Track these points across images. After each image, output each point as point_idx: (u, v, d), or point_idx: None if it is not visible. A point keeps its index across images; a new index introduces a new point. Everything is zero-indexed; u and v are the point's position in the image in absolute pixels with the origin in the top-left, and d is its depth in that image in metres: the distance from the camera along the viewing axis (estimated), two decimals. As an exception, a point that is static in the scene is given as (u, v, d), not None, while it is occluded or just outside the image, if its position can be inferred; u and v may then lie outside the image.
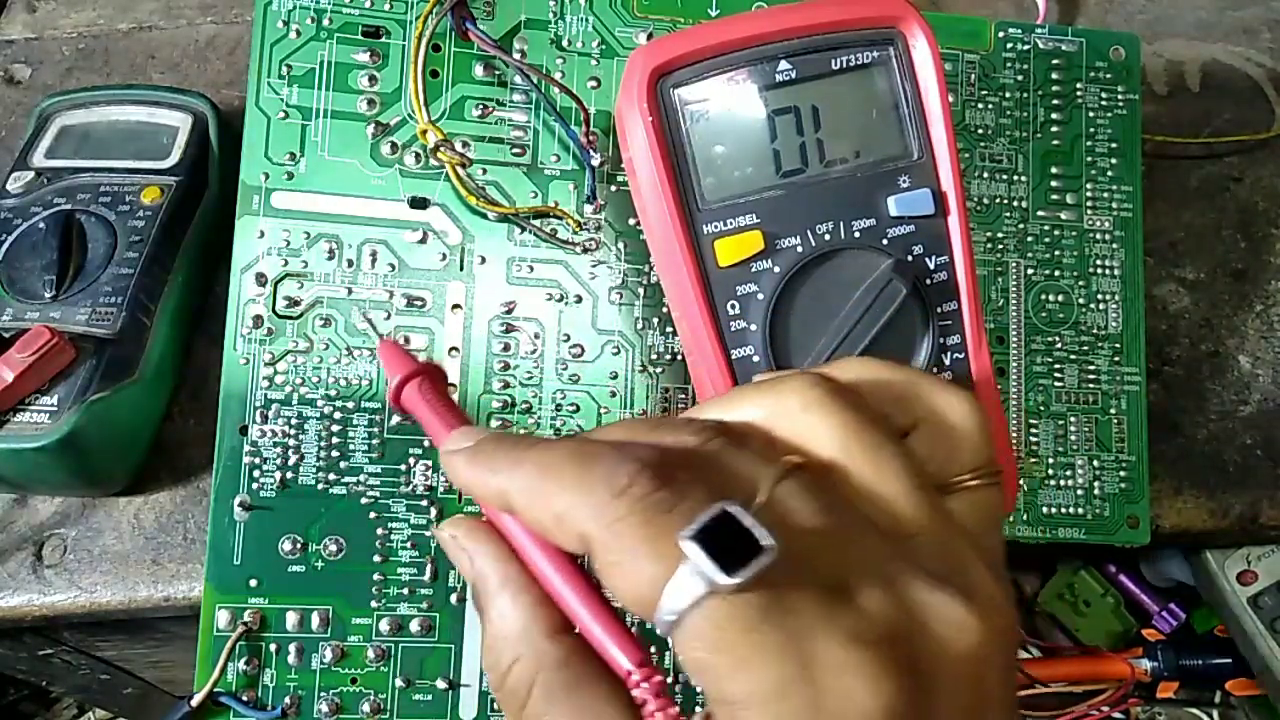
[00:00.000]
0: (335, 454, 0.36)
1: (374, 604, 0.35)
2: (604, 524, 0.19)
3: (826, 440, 0.21)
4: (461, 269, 0.38)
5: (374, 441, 0.36)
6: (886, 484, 0.21)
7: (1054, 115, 0.43)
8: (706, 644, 0.18)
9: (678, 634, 0.18)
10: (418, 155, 0.37)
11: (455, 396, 0.37)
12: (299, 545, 0.35)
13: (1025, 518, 0.41)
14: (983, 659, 0.19)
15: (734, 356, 0.31)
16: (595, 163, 0.38)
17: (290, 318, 0.36)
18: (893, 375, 0.24)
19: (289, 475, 0.35)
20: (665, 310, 0.38)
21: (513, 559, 0.22)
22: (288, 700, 0.35)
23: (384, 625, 0.35)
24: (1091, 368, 0.42)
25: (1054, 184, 0.42)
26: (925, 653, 0.18)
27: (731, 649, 0.17)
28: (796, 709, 0.17)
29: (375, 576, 0.36)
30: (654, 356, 0.38)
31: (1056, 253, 0.42)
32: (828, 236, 0.31)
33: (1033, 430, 0.41)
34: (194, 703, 0.34)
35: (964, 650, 0.18)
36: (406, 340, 0.37)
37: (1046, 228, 0.42)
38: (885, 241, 0.31)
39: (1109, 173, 0.43)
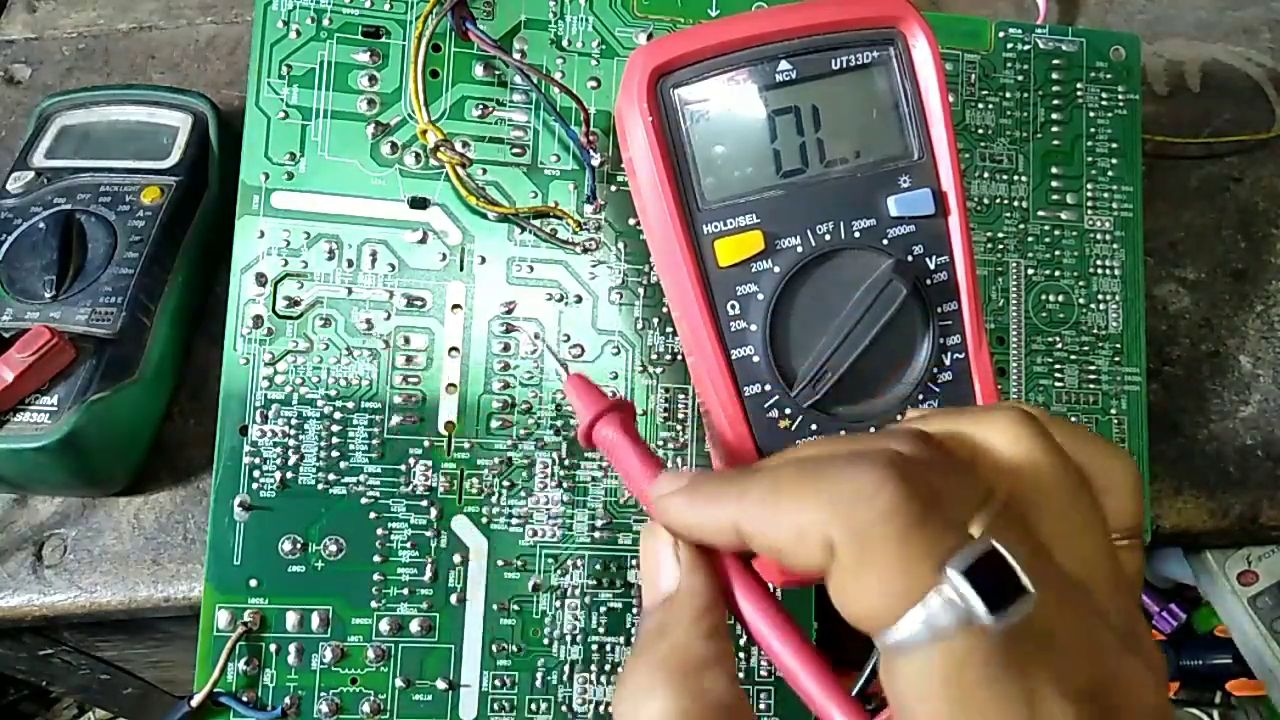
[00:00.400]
0: (335, 454, 0.36)
1: (374, 604, 0.35)
2: (853, 530, 0.18)
3: (1033, 482, 0.20)
4: (461, 269, 0.38)
5: (374, 441, 0.36)
6: (1082, 535, 0.20)
7: (1054, 115, 0.43)
8: (941, 678, 0.17)
9: (903, 661, 0.18)
10: (418, 155, 0.37)
11: (455, 396, 0.37)
12: (299, 545, 0.35)
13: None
14: (1161, 717, 0.19)
15: (734, 356, 0.31)
16: (595, 163, 0.38)
17: (290, 318, 0.36)
18: (1067, 427, 0.23)
19: (289, 475, 0.35)
20: (665, 310, 0.38)
21: (723, 594, 0.22)
22: (288, 700, 0.35)
23: (384, 625, 0.35)
24: (1092, 368, 0.42)
25: (1054, 184, 0.42)
26: (1117, 705, 0.18)
27: (966, 688, 0.17)
28: None
29: (375, 576, 0.36)
30: (654, 356, 0.38)
31: (1057, 253, 0.42)
32: (828, 236, 0.31)
33: (1033, 430, 0.41)
34: (194, 703, 0.34)
35: (1144, 706, 0.19)
36: (407, 340, 0.37)
37: (1047, 228, 0.42)
38: (885, 241, 0.31)
39: (1109, 173, 0.43)
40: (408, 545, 0.36)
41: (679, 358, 0.38)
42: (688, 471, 0.23)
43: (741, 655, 0.38)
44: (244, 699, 0.34)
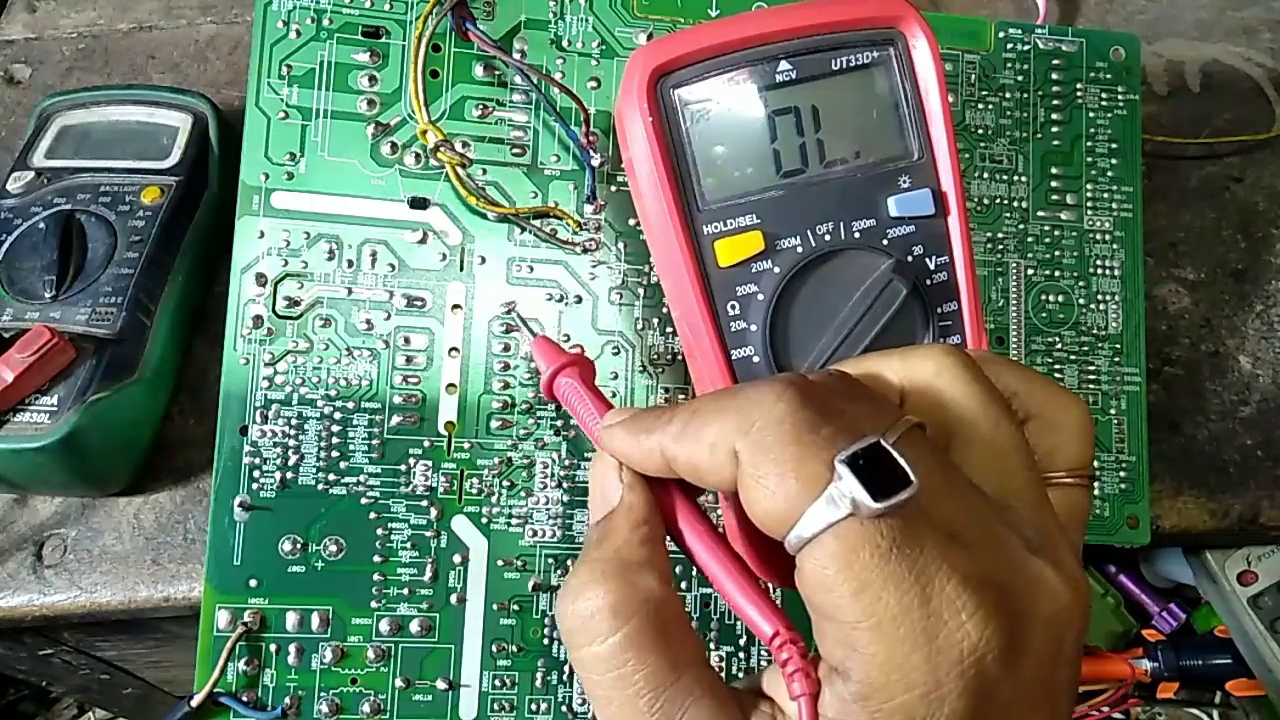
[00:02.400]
0: (335, 454, 0.36)
1: (374, 604, 0.35)
2: (753, 439, 0.20)
3: (954, 404, 0.22)
4: (461, 269, 0.38)
5: (374, 441, 0.36)
6: (999, 456, 0.22)
7: (1054, 115, 0.43)
8: (837, 564, 0.19)
9: (809, 552, 0.19)
10: (418, 155, 0.37)
11: (455, 396, 0.37)
12: (299, 545, 0.35)
13: (1025, 518, 0.40)
14: (1064, 622, 0.20)
15: (734, 357, 0.31)
16: (595, 163, 0.38)
17: (290, 318, 0.36)
18: (1014, 369, 0.25)
19: (289, 475, 0.35)
20: (665, 310, 0.38)
21: (660, 510, 0.24)
22: (288, 700, 0.35)
23: (384, 625, 0.35)
24: (1092, 368, 0.42)
25: (1054, 184, 0.42)
26: (1020, 606, 0.20)
27: (861, 572, 0.19)
28: (910, 635, 0.18)
29: (375, 576, 0.36)
30: (654, 356, 0.38)
31: (1056, 253, 0.42)
32: (828, 237, 0.31)
33: (1033, 430, 0.41)
34: (194, 703, 0.34)
35: (1051, 611, 0.20)
36: (407, 340, 0.37)
37: (1046, 228, 0.42)
38: (885, 242, 0.31)
39: (1109, 173, 0.43)
40: (408, 545, 0.36)
41: (679, 358, 0.38)
42: (632, 408, 0.26)
43: (744, 655, 0.38)
44: (244, 699, 0.34)
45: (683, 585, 0.38)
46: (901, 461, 0.19)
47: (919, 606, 0.18)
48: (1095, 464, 0.41)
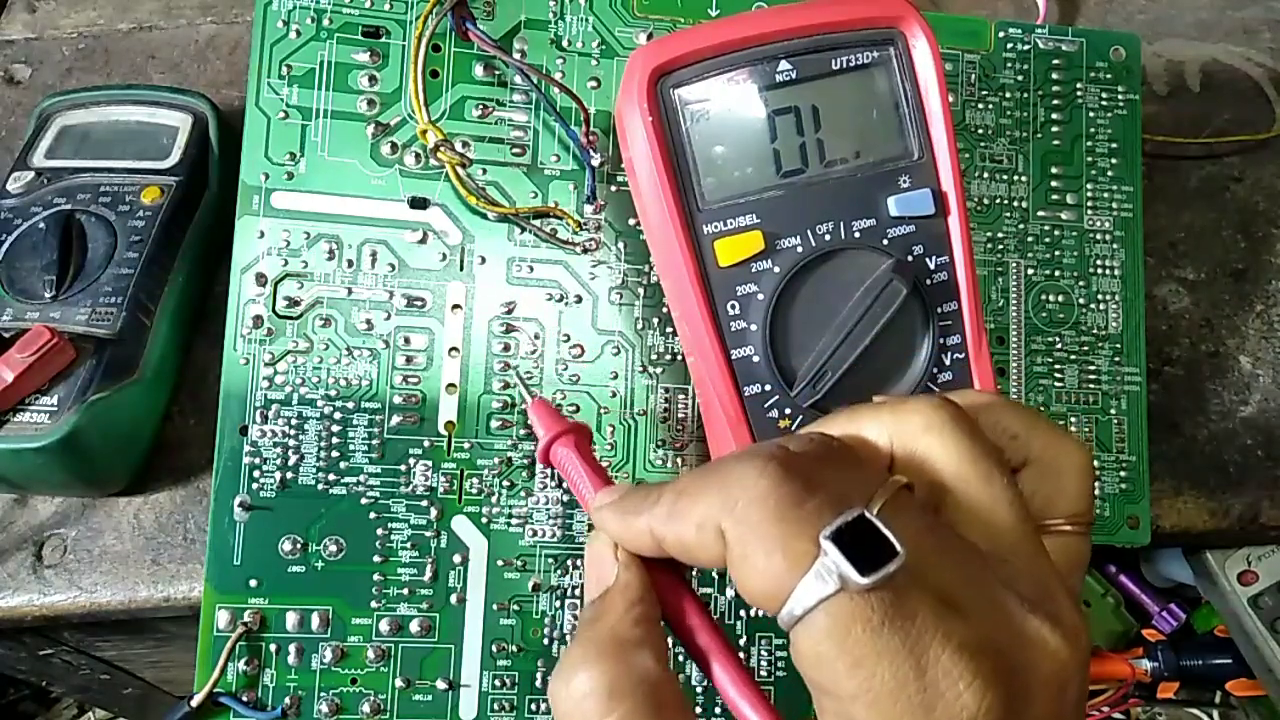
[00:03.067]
0: (335, 454, 0.36)
1: (374, 604, 0.35)
2: (738, 518, 0.20)
3: (943, 462, 0.22)
4: (461, 269, 0.38)
5: (374, 441, 0.36)
6: (992, 511, 0.22)
7: (1054, 115, 0.43)
8: (830, 640, 0.19)
9: (801, 629, 0.19)
10: (418, 155, 0.37)
11: (455, 396, 0.37)
12: (299, 545, 0.35)
13: (1025, 518, 0.40)
14: (1066, 680, 0.20)
15: (734, 356, 0.31)
16: (595, 163, 0.38)
17: (290, 318, 0.36)
18: (1015, 413, 0.25)
19: (289, 475, 0.35)
20: (665, 310, 0.38)
21: (657, 593, 0.24)
22: (288, 700, 0.35)
23: (384, 625, 0.35)
24: (1092, 368, 0.42)
25: (1054, 184, 0.42)
26: (1020, 668, 0.19)
27: (854, 647, 0.19)
28: (908, 708, 0.18)
29: (375, 576, 0.36)
30: (654, 356, 0.38)
31: (1056, 253, 0.42)
32: (828, 237, 0.31)
33: (1033, 430, 0.41)
34: (194, 703, 0.34)
35: (1052, 670, 0.20)
36: (407, 340, 0.37)
37: (1046, 228, 0.42)
38: (885, 241, 0.31)
39: (1109, 173, 0.43)
40: (408, 545, 0.36)
41: (679, 358, 0.38)
42: (624, 486, 0.26)
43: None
44: (244, 699, 0.34)
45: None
46: (888, 533, 0.19)
47: (915, 679, 0.18)
48: (1095, 465, 0.41)
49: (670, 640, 0.24)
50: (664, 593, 0.24)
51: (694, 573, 0.37)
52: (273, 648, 0.35)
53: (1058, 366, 0.42)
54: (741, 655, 0.23)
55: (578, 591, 0.37)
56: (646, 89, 0.31)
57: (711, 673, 0.23)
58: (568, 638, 0.37)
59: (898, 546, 0.19)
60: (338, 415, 0.36)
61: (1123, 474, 0.41)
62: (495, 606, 0.36)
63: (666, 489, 0.23)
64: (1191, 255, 0.48)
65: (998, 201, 0.42)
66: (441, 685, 0.36)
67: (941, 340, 0.31)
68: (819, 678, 0.19)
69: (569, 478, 0.29)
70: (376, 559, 0.36)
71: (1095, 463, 0.41)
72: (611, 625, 0.23)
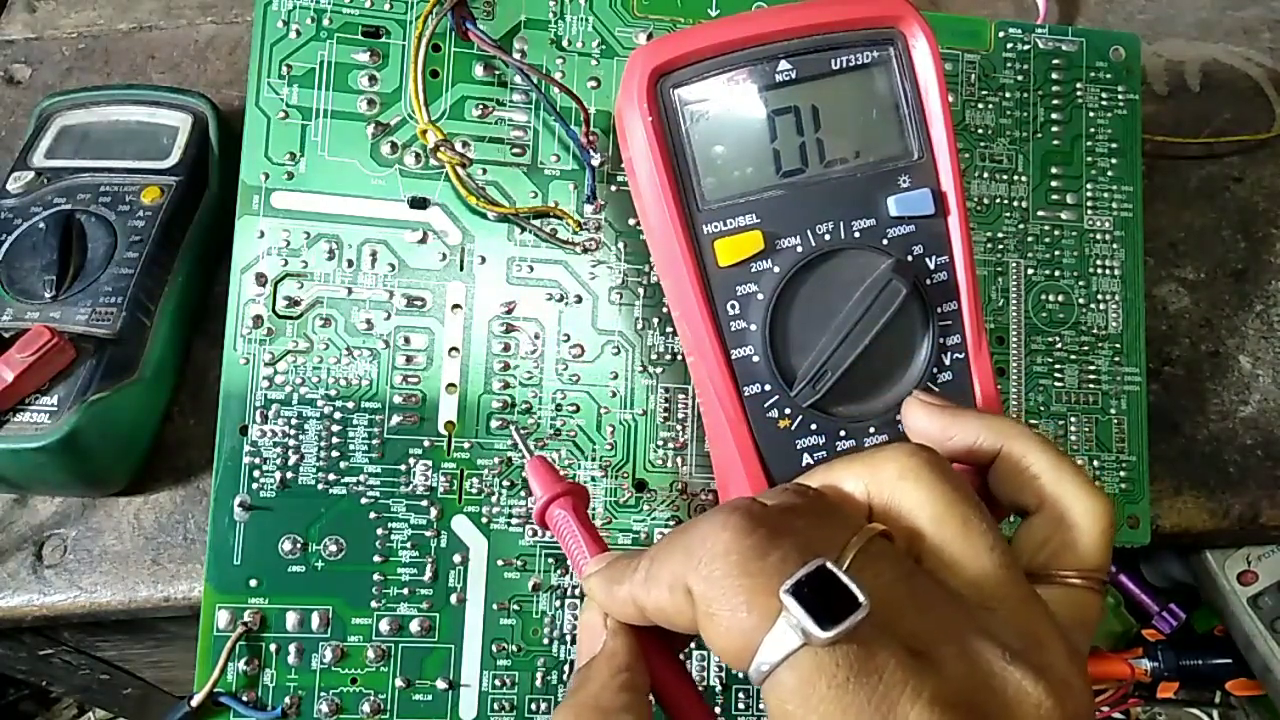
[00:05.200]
0: (335, 454, 0.36)
1: (374, 604, 0.35)
2: (703, 575, 0.20)
3: (918, 509, 0.22)
4: (461, 269, 0.38)
5: (374, 441, 0.36)
6: (972, 556, 0.21)
7: (1054, 115, 0.43)
8: (796, 699, 0.18)
9: (769, 687, 0.19)
10: (418, 155, 0.37)
11: (455, 397, 0.37)
12: (299, 545, 0.35)
13: (1025, 518, 0.40)
14: None
15: (734, 356, 0.31)
16: (595, 163, 0.38)
17: (290, 318, 0.36)
18: (1043, 452, 0.24)
19: (289, 475, 0.35)
20: (665, 310, 0.38)
21: (645, 664, 0.24)
22: (288, 700, 0.35)
23: (384, 625, 0.35)
24: (1092, 368, 0.42)
25: (1054, 184, 0.42)
26: None
27: (819, 704, 0.18)
28: None
29: (375, 576, 0.36)
30: (654, 356, 0.38)
31: (1056, 253, 0.42)
32: (828, 236, 0.31)
33: (1033, 430, 0.41)
34: (194, 703, 0.34)
35: None
36: (407, 340, 0.37)
37: (1046, 228, 0.42)
38: (885, 241, 0.31)
39: (1109, 173, 0.43)
40: (408, 545, 0.36)
41: (679, 358, 0.38)
42: (611, 555, 0.26)
43: None
44: (244, 699, 0.34)
45: None
46: (849, 583, 0.18)
47: None
48: (1094, 463, 0.41)
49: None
50: (652, 663, 0.24)
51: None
52: (273, 648, 0.35)
53: (1058, 366, 0.41)
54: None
55: (578, 591, 0.37)
56: (646, 89, 0.31)
57: None
58: (568, 637, 0.37)
59: (860, 597, 0.18)
60: (338, 415, 0.36)
61: (1123, 474, 0.41)
62: (495, 606, 0.36)
63: (645, 555, 0.23)
64: (1191, 255, 0.48)
65: (998, 201, 0.42)
66: (441, 685, 0.36)
67: (941, 340, 0.31)
68: None
69: (563, 541, 0.29)
70: (376, 559, 0.36)
71: (1095, 462, 0.41)
72: (594, 693, 0.23)
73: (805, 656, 0.18)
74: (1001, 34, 0.43)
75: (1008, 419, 0.27)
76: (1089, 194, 0.42)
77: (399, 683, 0.35)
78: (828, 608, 0.18)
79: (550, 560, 0.37)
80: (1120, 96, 0.43)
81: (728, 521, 0.20)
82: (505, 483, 0.37)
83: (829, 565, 0.19)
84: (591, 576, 0.25)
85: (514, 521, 0.37)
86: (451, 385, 0.37)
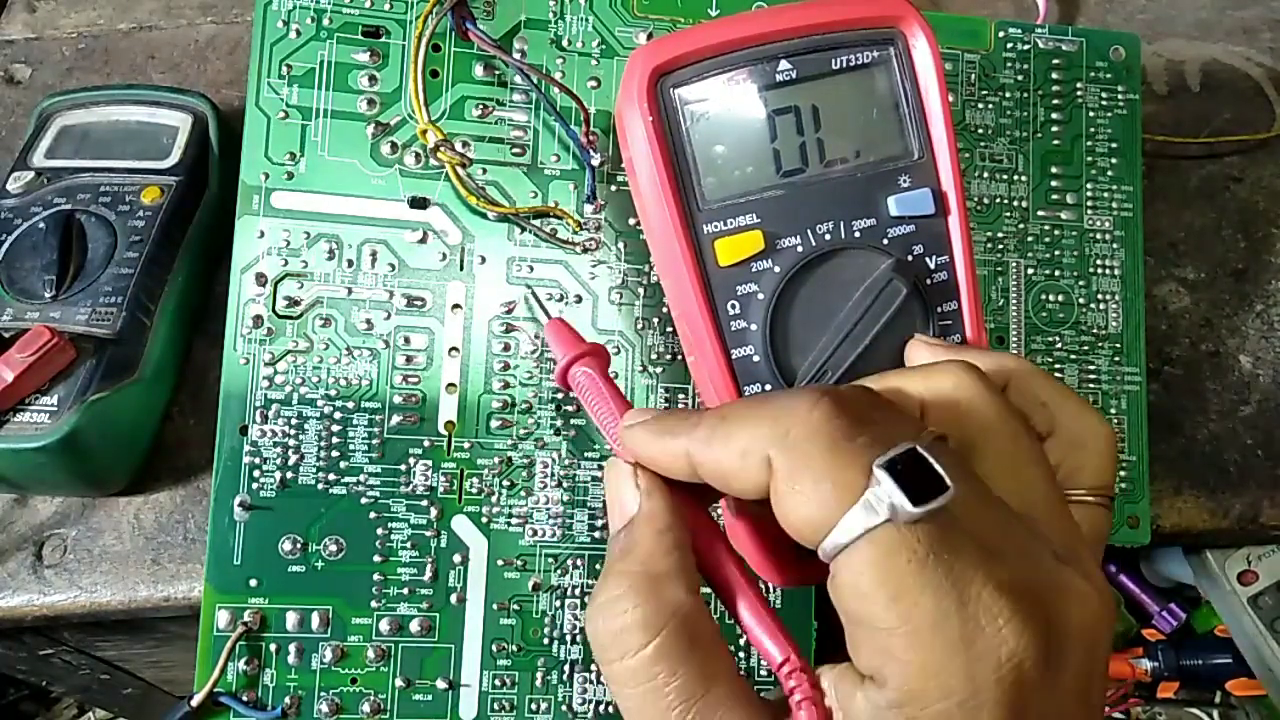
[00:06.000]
0: (335, 454, 0.36)
1: (374, 604, 0.35)
2: (789, 445, 0.20)
3: (974, 418, 0.22)
4: (461, 269, 0.38)
5: (374, 441, 0.36)
6: (1018, 470, 0.22)
7: (1054, 115, 0.43)
8: (874, 570, 0.19)
9: (844, 559, 0.19)
10: (418, 155, 0.37)
11: (455, 396, 0.37)
12: (299, 545, 0.35)
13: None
14: (1098, 630, 0.20)
15: (734, 356, 0.31)
16: (595, 163, 0.38)
17: (290, 318, 0.36)
18: (1045, 382, 0.25)
19: (289, 475, 0.35)
20: (665, 310, 0.38)
21: (682, 514, 0.24)
22: (288, 700, 0.35)
23: (384, 625, 0.35)
24: (1092, 368, 0.42)
25: (1054, 184, 0.42)
26: (1055, 614, 0.19)
27: (898, 578, 0.18)
28: (947, 641, 0.18)
29: (375, 576, 0.36)
30: (654, 356, 0.38)
31: (1056, 253, 0.42)
32: (828, 236, 0.31)
33: (1033, 430, 0.41)
34: (194, 703, 0.34)
35: (1085, 620, 0.20)
36: (407, 340, 0.37)
37: (1046, 228, 0.42)
38: (885, 241, 0.31)
39: (1109, 173, 0.43)
40: (408, 545, 0.36)
41: (679, 358, 0.38)
42: (650, 410, 0.25)
43: (741, 655, 0.38)
44: (244, 699, 0.34)
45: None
46: (938, 468, 0.19)
47: (956, 613, 0.18)
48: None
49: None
50: (688, 519, 0.24)
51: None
52: (273, 647, 0.35)
53: (1058, 366, 0.42)
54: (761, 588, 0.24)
55: (578, 591, 0.37)
56: (646, 89, 0.31)
57: (735, 606, 0.23)
58: (568, 637, 0.37)
59: (948, 481, 0.18)
60: (338, 415, 0.36)
61: (1123, 474, 0.41)
62: (495, 606, 0.36)
63: (707, 415, 0.23)
64: (1191, 255, 0.48)
65: (998, 201, 0.42)
66: (441, 685, 0.36)
67: (941, 340, 0.31)
68: (857, 609, 0.19)
69: (587, 402, 0.28)
70: (376, 559, 0.36)
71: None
72: (642, 558, 0.23)
73: (888, 531, 0.19)
74: (1001, 34, 0.43)
75: (1008, 353, 0.28)
76: (1089, 194, 0.42)
77: (399, 683, 0.35)
78: (914, 488, 0.18)
79: (550, 560, 0.37)
80: (1120, 96, 0.43)
81: (819, 401, 0.20)
82: (505, 483, 0.37)
83: (920, 449, 0.19)
84: (635, 427, 0.24)
85: (514, 521, 0.37)
86: (451, 385, 0.37)
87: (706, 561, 0.24)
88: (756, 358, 0.31)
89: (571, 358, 0.29)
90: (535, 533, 0.37)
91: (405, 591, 0.36)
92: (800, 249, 0.31)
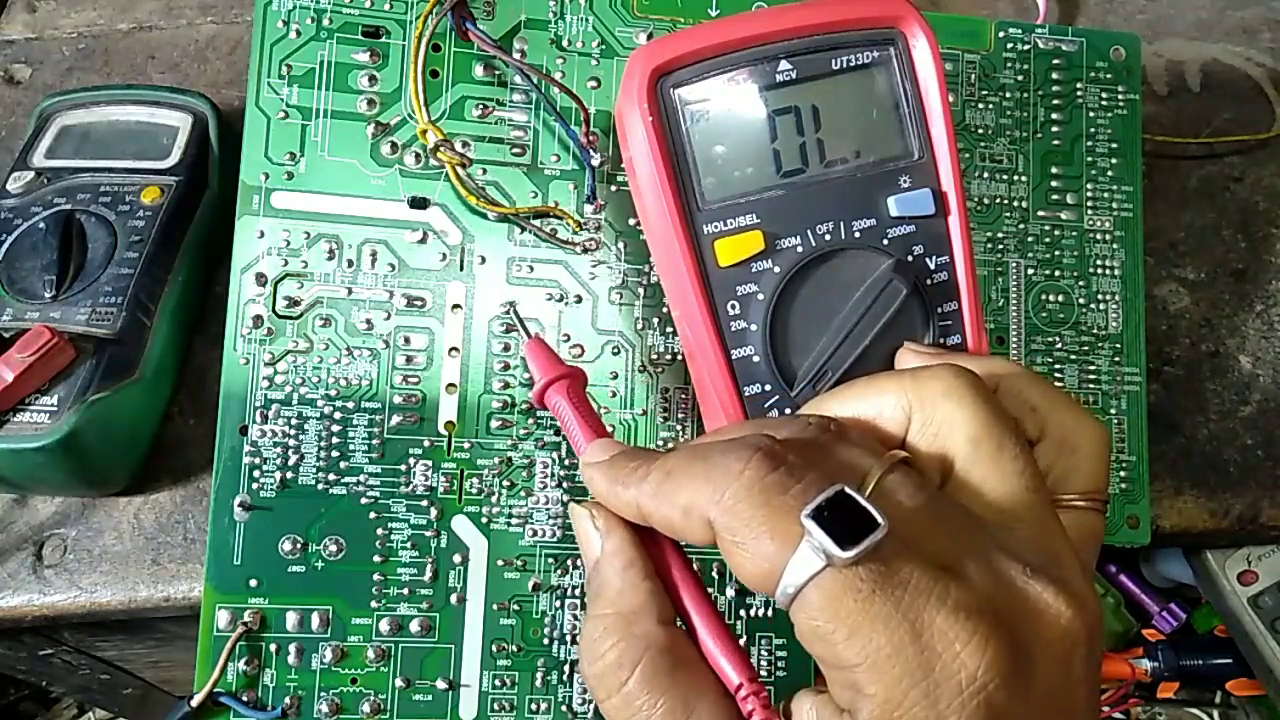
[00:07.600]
0: (335, 454, 0.36)
1: (374, 604, 0.35)
2: (725, 507, 0.21)
3: (957, 427, 0.23)
4: (461, 269, 0.38)
5: (374, 441, 0.36)
6: (1002, 477, 0.22)
7: (1054, 115, 0.43)
8: (824, 614, 0.19)
9: (797, 606, 0.20)
10: (418, 155, 0.37)
11: (455, 396, 0.37)
12: (299, 545, 0.35)
13: (1025, 518, 0.40)
14: (1072, 644, 0.20)
15: (734, 356, 0.31)
16: (595, 163, 0.38)
17: (290, 318, 0.36)
18: (1036, 385, 0.26)
19: (289, 475, 0.35)
20: (665, 310, 0.38)
21: (643, 548, 0.25)
22: (288, 700, 0.35)
23: (384, 625, 0.35)
24: (1092, 368, 0.42)
25: (1054, 184, 0.42)
26: (1022, 629, 0.20)
27: (846, 617, 0.19)
28: (906, 671, 0.19)
29: (375, 576, 0.36)
30: (654, 356, 0.38)
31: (1056, 253, 0.42)
32: (828, 236, 0.31)
33: (1033, 430, 0.41)
34: (194, 703, 0.34)
35: (1056, 633, 0.20)
36: (407, 340, 0.37)
37: (1046, 228, 0.42)
38: (885, 241, 0.31)
39: (1109, 173, 0.43)
40: (408, 545, 0.36)
41: (679, 358, 0.38)
42: (616, 444, 0.26)
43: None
44: (244, 699, 0.34)
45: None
46: (867, 505, 0.19)
47: (911, 642, 0.19)
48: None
49: None
50: (647, 546, 0.25)
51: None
52: (273, 648, 0.35)
53: (1058, 366, 0.42)
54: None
55: (578, 591, 0.37)
56: (646, 89, 0.31)
57: (694, 629, 0.24)
58: (568, 637, 0.37)
59: (878, 518, 0.19)
60: (338, 415, 0.36)
61: (1123, 474, 0.41)
62: (495, 606, 0.36)
63: (655, 466, 0.23)
64: (1191, 255, 0.48)
65: (998, 201, 0.42)
66: (441, 685, 0.36)
67: (942, 340, 0.31)
68: (820, 652, 0.20)
69: (563, 424, 0.30)
70: (376, 559, 0.36)
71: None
72: (611, 599, 0.24)
73: (830, 575, 0.19)
74: (1001, 34, 0.43)
75: (999, 358, 0.28)
76: (1089, 194, 0.42)
77: (399, 683, 0.35)
78: (848, 530, 0.19)
79: (550, 560, 0.37)
80: (1120, 96, 0.43)
81: (749, 459, 0.21)
82: (505, 483, 0.37)
83: (847, 490, 0.19)
84: (593, 467, 0.26)
85: (514, 521, 0.37)
86: (451, 385, 0.37)
87: (674, 582, 0.25)
88: (756, 358, 0.31)
89: (547, 381, 0.30)
90: (535, 533, 0.37)
91: (405, 591, 0.36)
92: (800, 249, 0.31)
